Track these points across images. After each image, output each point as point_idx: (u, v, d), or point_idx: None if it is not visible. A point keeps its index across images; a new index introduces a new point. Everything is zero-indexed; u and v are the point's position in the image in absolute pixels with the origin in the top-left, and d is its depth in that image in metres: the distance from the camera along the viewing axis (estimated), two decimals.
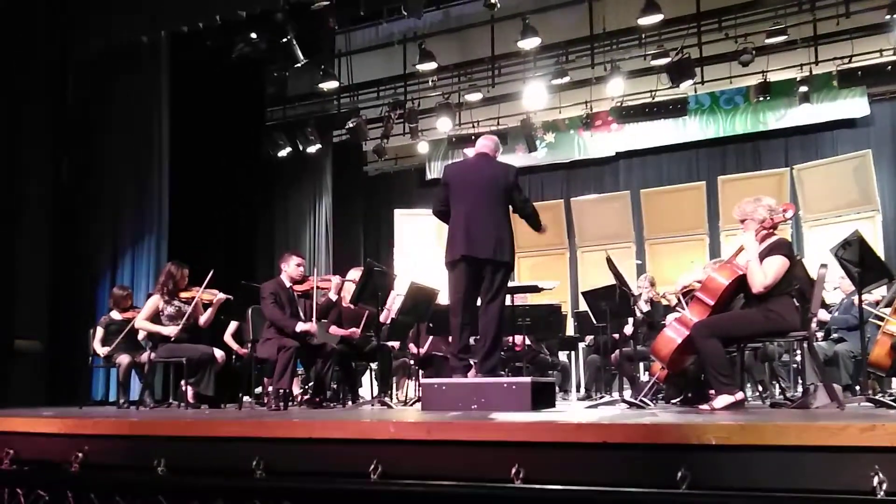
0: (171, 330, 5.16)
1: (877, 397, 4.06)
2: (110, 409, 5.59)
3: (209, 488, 2.77)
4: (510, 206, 4.15)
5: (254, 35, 7.23)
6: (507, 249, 4.02)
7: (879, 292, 5.15)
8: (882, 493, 2.05)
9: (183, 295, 5.28)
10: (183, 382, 5.12)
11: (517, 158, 9.81)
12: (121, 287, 6.12)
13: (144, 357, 5.38)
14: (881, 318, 4.44)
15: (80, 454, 3.04)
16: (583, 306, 6.40)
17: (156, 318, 5.26)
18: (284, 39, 7.37)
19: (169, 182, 7.18)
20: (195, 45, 7.19)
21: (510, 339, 5.81)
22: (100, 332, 5.71)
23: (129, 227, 7.16)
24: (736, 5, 7.67)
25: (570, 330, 7.34)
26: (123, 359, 5.50)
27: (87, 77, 7.15)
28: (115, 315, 5.79)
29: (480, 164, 4.21)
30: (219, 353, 5.22)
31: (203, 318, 5.31)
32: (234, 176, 7.90)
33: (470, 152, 5.32)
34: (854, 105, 8.52)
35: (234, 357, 5.83)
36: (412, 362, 6.03)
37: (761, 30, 7.48)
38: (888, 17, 6.90)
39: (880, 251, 6.74)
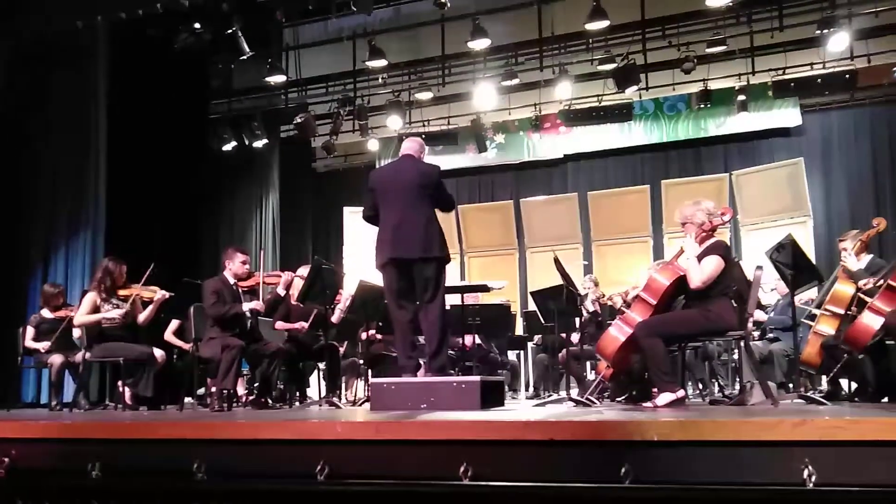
0: (115, 312, 4.94)
1: (808, 394, 4.25)
2: (41, 412, 5.35)
3: (145, 491, 2.68)
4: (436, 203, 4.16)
5: (198, 25, 7.03)
6: (436, 245, 4.02)
7: (810, 294, 5.40)
8: (811, 484, 2.15)
9: (121, 292, 5.08)
10: (120, 383, 4.93)
11: (467, 158, 9.85)
12: (52, 284, 5.86)
13: (79, 357, 5.16)
14: (813, 319, 4.65)
15: (7, 459, 2.88)
16: (532, 306, 6.48)
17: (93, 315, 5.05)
18: (230, 31, 7.19)
19: (106, 176, 6.93)
20: (135, 34, 6.94)
21: (460, 339, 5.84)
22: (30, 331, 5.46)
23: (64, 221, 6.88)
24: (679, 14, 7.90)
25: (519, 329, 7.42)
26: (56, 359, 5.27)
27: (20, 67, 6.82)
28: (46, 313, 5.54)
29: (405, 166, 4.23)
30: (158, 353, 5.05)
31: (142, 316, 5.13)
32: (176, 170, 7.67)
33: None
34: (788, 115, 8.92)
35: (175, 356, 5.66)
36: (361, 362, 5.98)
37: (702, 39, 7.74)
38: (818, 32, 7.25)
39: (811, 254, 7.06)
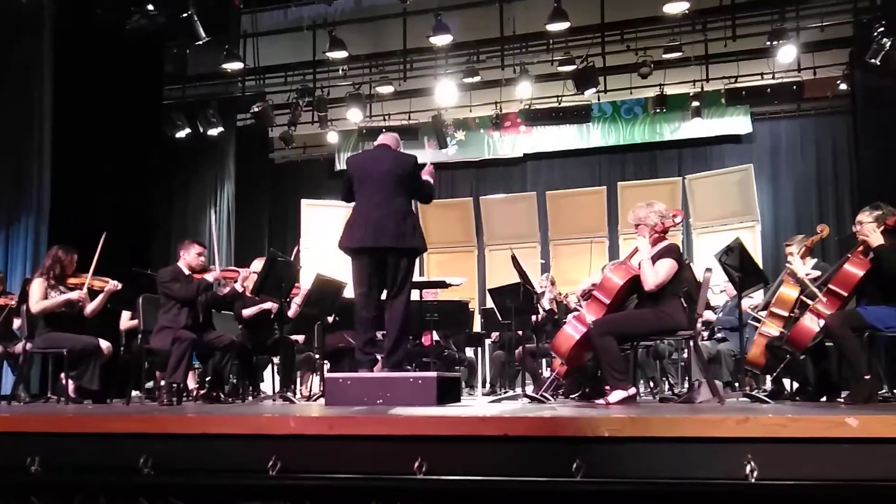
0: (77, 293, 4.74)
1: (752, 393, 4.40)
2: None
3: (88, 487, 2.59)
4: (412, 194, 4.17)
5: (151, 7, 6.80)
6: (410, 236, 4.01)
7: (758, 296, 5.57)
8: (753, 479, 2.22)
9: (71, 281, 4.89)
10: (63, 375, 4.75)
11: (428, 154, 9.84)
12: None
13: (18, 347, 4.95)
14: (759, 320, 4.80)
15: None
16: (489, 303, 6.52)
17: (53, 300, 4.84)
18: (185, 14, 6.98)
19: (51, 161, 6.65)
20: (85, 11, 6.67)
21: (420, 335, 5.82)
22: None
23: (4, 205, 6.59)
24: (637, 19, 8.05)
25: (476, 326, 7.45)
26: None
27: None
28: None
29: (382, 155, 4.23)
30: (104, 344, 4.88)
31: (90, 308, 4.94)
32: (127, 155, 7.40)
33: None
34: (739, 122, 9.21)
35: (122, 348, 5.49)
36: (317, 356, 5.91)
37: (659, 45, 7.91)
38: (768, 43, 7.50)
39: (759, 258, 7.30)
